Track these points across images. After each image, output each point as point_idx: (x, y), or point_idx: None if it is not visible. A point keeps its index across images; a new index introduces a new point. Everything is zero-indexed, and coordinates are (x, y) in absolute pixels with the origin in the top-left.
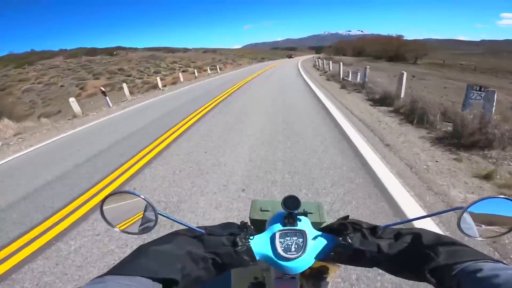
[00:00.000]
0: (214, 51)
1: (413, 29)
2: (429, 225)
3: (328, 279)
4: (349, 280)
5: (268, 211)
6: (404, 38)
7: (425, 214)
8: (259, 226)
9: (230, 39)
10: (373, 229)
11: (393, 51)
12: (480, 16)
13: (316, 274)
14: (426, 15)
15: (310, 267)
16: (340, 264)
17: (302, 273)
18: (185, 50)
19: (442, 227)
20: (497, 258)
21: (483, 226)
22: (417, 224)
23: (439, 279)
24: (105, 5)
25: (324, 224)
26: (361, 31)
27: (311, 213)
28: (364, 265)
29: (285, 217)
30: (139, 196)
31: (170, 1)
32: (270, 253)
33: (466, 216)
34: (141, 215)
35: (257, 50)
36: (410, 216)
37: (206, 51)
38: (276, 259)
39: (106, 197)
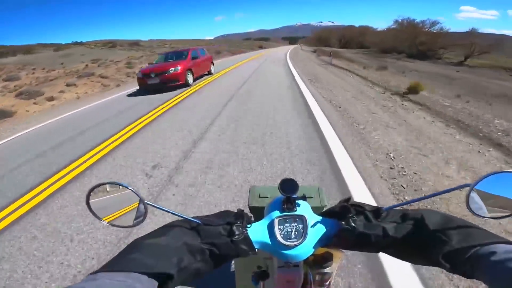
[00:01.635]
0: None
1: (379, 20)
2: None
3: (333, 266)
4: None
5: (267, 197)
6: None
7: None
8: (258, 213)
9: (201, 30)
10: (377, 211)
11: (416, 43)
12: (440, 9)
13: (320, 261)
14: (389, 7)
15: (313, 254)
16: (344, 250)
17: (306, 260)
18: (135, 42)
19: None
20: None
21: (493, 204)
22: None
23: (452, 264)
24: None
25: (325, 209)
26: (332, 22)
27: (311, 197)
28: (369, 250)
29: (283, 202)
30: (127, 188)
31: None
32: (269, 241)
33: (474, 194)
34: (130, 207)
35: (229, 40)
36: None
37: (163, 43)
38: (275, 247)
39: (92, 189)
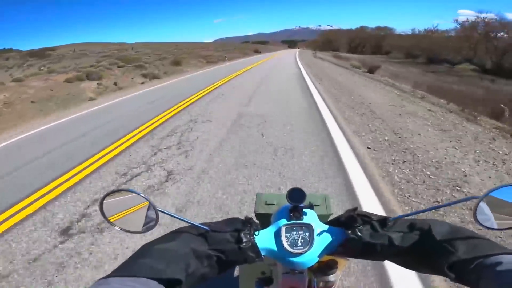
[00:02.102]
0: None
1: (375, 24)
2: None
3: (337, 273)
4: None
5: (274, 204)
6: None
7: (437, 204)
8: (264, 220)
9: (201, 33)
10: (383, 221)
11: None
12: (439, 12)
13: (325, 268)
14: (386, 10)
15: (318, 261)
16: (349, 258)
17: (310, 267)
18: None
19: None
20: None
21: (501, 216)
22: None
23: (458, 274)
24: None
25: (331, 216)
26: (331, 26)
27: (318, 205)
28: (375, 259)
29: (290, 210)
30: (140, 195)
31: None
32: (276, 248)
33: (483, 205)
34: (142, 214)
35: (228, 43)
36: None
37: (147, 45)
38: (282, 255)
39: (106, 195)
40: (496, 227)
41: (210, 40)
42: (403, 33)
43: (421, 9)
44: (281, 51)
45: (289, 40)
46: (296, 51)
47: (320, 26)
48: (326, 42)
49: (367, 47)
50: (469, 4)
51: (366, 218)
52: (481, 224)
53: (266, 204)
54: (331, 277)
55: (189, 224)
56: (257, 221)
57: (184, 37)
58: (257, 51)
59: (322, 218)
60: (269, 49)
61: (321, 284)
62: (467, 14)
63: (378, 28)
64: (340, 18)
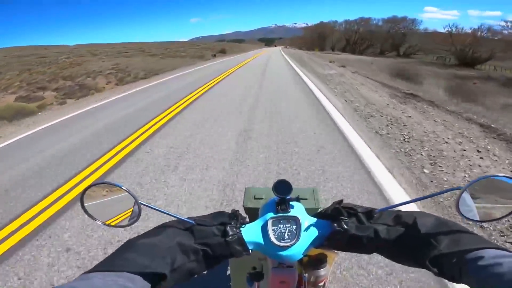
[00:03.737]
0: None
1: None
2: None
3: (327, 266)
4: None
5: (262, 198)
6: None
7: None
8: (253, 214)
9: (176, 32)
10: (369, 213)
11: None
12: (404, 10)
13: (315, 262)
14: (354, 7)
15: (307, 255)
16: (338, 251)
17: (300, 261)
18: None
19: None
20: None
21: (483, 206)
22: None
23: (440, 268)
24: None
25: (320, 210)
26: (306, 24)
27: (306, 199)
28: (363, 252)
29: (277, 203)
30: (121, 188)
31: None
32: (263, 241)
33: (466, 196)
34: (124, 207)
35: (203, 42)
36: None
37: (92, 47)
38: (269, 248)
39: (86, 189)
40: (478, 218)
41: (186, 39)
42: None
43: (387, 6)
44: (257, 50)
45: (266, 38)
46: (277, 51)
47: (295, 24)
48: (316, 39)
49: (362, 46)
50: (434, 1)
51: (352, 210)
52: (463, 216)
53: (255, 198)
54: (322, 271)
55: (175, 218)
56: (246, 216)
57: (160, 36)
58: (223, 52)
59: (311, 211)
60: (243, 48)
61: (311, 278)
62: (432, 11)
63: (390, 19)
64: (314, 15)
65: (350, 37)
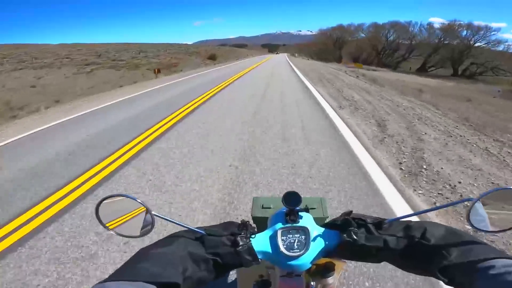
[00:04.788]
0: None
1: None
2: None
3: (334, 275)
4: None
5: (270, 208)
6: None
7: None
8: (261, 223)
9: (180, 35)
10: (378, 224)
11: None
12: (410, 20)
13: (322, 271)
14: (364, 17)
15: (315, 264)
16: (346, 260)
17: (308, 270)
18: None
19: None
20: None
21: (495, 218)
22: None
23: (451, 277)
24: None
25: (328, 219)
26: (311, 31)
27: (314, 208)
28: (372, 261)
29: (286, 214)
30: (135, 200)
31: None
32: (272, 251)
33: (478, 207)
34: (138, 218)
35: (207, 46)
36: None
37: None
38: (278, 258)
39: (101, 201)
40: (489, 229)
41: (190, 42)
42: None
43: (393, 14)
44: (257, 57)
45: (269, 44)
46: (283, 62)
47: (300, 31)
48: (332, 46)
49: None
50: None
51: (361, 221)
52: (473, 226)
53: (263, 207)
54: (329, 280)
55: (186, 228)
56: (254, 225)
57: (165, 38)
58: (211, 58)
59: (318, 221)
60: (241, 53)
61: (319, 286)
62: (437, 22)
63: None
64: (319, 23)
65: (378, 45)
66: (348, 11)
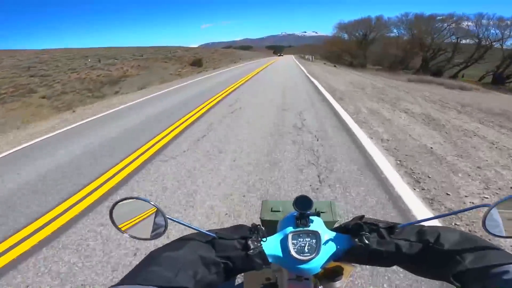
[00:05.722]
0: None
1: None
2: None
3: (342, 279)
4: None
5: (279, 211)
6: None
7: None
8: (270, 227)
9: (187, 38)
10: (391, 228)
11: None
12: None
13: (330, 274)
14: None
15: (324, 268)
16: (356, 264)
17: (316, 274)
18: None
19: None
20: None
21: (510, 225)
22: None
23: (464, 283)
24: None
25: (337, 223)
26: (316, 32)
27: (324, 212)
28: (382, 265)
29: (297, 217)
30: (149, 202)
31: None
32: (282, 255)
33: (494, 213)
34: (151, 221)
35: (210, 49)
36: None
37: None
38: (289, 261)
39: (115, 203)
40: (504, 234)
41: (196, 45)
42: None
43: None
44: (257, 61)
45: (274, 46)
46: (293, 72)
47: (305, 32)
48: (354, 45)
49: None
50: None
51: (373, 226)
52: (488, 231)
53: (272, 211)
54: (337, 284)
55: (197, 231)
56: (263, 228)
57: (172, 41)
58: (196, 64)
59: (328, 224)
60: (242, 56)
61: None
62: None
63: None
64: (324, 25)
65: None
66: (356, 9)
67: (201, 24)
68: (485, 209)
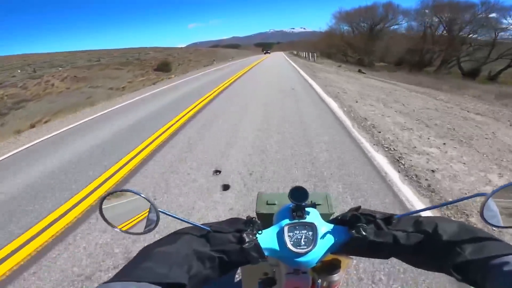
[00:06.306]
0: None
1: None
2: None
3: (340, 272)
4: None
5: (275, 204)
6: None
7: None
8: (266, 220)
9: (174, 38)
10: (388, 219)
11: None
12: None
13: (328, 268)
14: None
15: (321, 261)
16: (353, 256)
17: (314, 267)
18: None
19: None
20: None
21: (507, 214)
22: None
23: (464, 275)
24: None
25: (333, 215)
26: (304, 28)
27: (320, 204)
28: (380, 257)
29: (293, 209)
30: (140, 195)
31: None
32: (279, 248)
33: (491, 203)
34: (142, 214)
35: (197, 49)
36: None
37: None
38: (285, 255)
39: (105, 196)
40: (502, 224)
41: (183, 45)
42: None
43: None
44: (239, 63)
45: (262, 43)
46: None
47: (293, 29)
48: (360, 42)
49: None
50: None
51: (371, 217)
52: (486, 221)
53: (268, 204)
54: (335, 276)
55: (191, 225)
56: (259, 221)
57: (157, 42)
58: (161, 70)
59: (324, 217)
60: (225, 56)
61: (324, 283)
62: None
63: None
64: (312, 21)
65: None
66: (347, 2)
67: (188, 23)
68: (482, 198)
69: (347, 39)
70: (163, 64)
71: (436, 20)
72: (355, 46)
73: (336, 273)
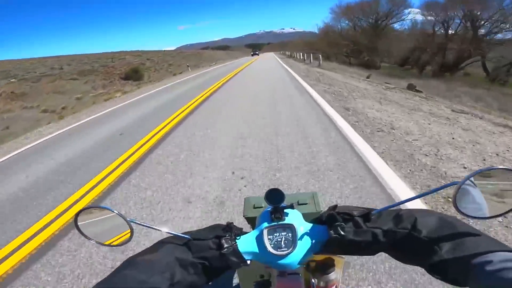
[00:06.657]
0: None
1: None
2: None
3: (336, 271)
4: None
5: (262, 207)
6: None
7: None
8: (254, 223)
9: (163, 40)
10: (366, 216)
11: None
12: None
13: (322, 267)
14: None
15: (314, 260)
16: (343, 256)
17: (307, 268)
18: None
19: None
20: None
21: (484, 202)
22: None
23: (444, 274)
24: None
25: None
26: (293, 29)
27: (306, 203)
28: (366, 254)
29: (271, 212)
30: (111, 210)
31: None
32: (259, 251)
33: (464, 192)
34: (117, 228)
35: (187, 51)
36: None
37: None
38: (267, 258)
39: (79, 212)
40: (478, 215)
41: (173, 47)
42: None
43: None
44: (221, 68)
45: (252, 44)
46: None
47: (283, 29)
48: (363, 39)
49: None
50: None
51: (347, 215)
52: (462, 213)
53: (255, 207)
54: (331, 276)
55: (171, 235)
56: (243, 226)
57: (147, 45)
58: (130, 78)
59: (312, 216)
60: (209, 58)
61: (321, 283)
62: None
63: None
64: (302, 21)
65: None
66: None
67: (178, 25)
68: (455, 187)
69: (350, 36)
70: (133, 71)
71: (462, 14)
72: (362, 45)
73: (331, 272)
